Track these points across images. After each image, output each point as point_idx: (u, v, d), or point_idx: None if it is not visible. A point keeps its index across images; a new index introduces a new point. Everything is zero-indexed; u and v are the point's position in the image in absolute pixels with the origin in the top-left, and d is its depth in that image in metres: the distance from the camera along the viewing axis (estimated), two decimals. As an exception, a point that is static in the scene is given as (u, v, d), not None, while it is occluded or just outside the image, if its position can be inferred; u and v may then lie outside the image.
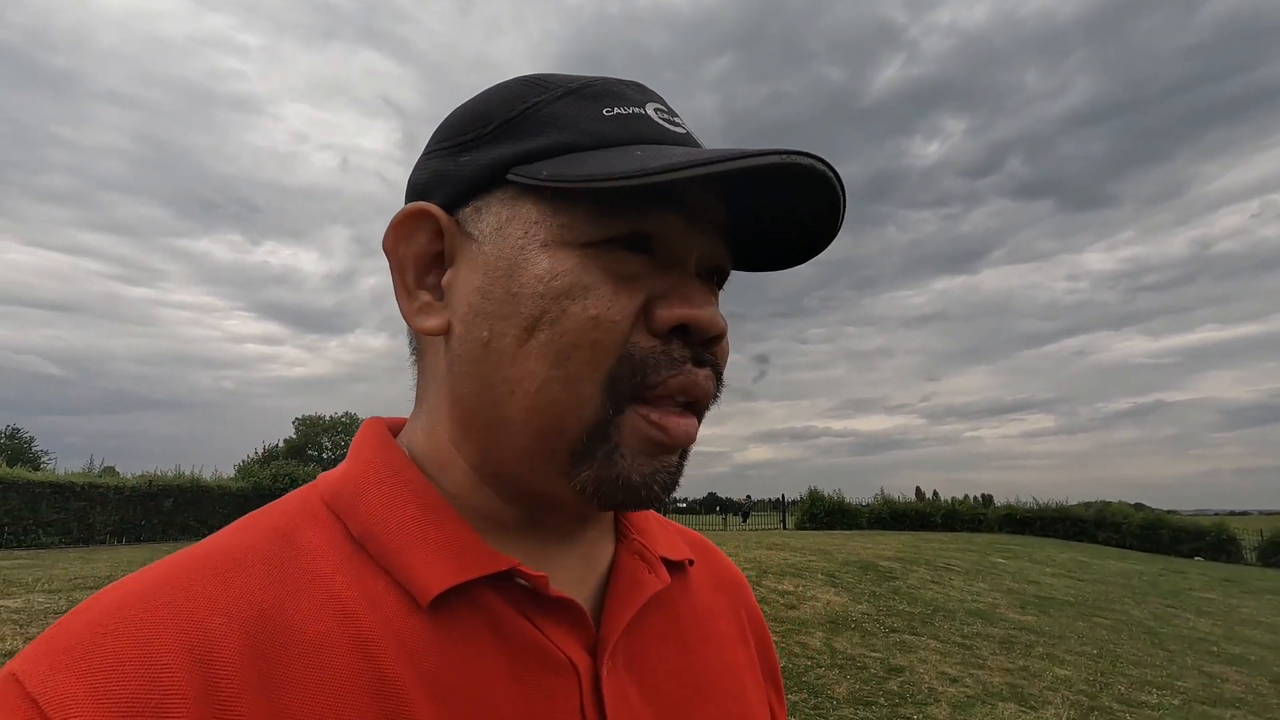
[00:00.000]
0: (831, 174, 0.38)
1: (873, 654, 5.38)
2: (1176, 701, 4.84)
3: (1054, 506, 19.25)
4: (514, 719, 0.36)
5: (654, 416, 0.38)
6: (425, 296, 0.42)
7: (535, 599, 0.39)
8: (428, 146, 0.45)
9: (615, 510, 0.40)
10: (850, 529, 18.15)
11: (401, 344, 0.48)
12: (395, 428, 0.47)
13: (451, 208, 0.42)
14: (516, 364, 0.38)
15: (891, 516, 19.24)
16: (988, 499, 23.88)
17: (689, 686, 0.44)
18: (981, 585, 8.66)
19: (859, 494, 21.41)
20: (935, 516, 19.22)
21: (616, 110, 0.40)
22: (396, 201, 0.46)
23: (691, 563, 0.51)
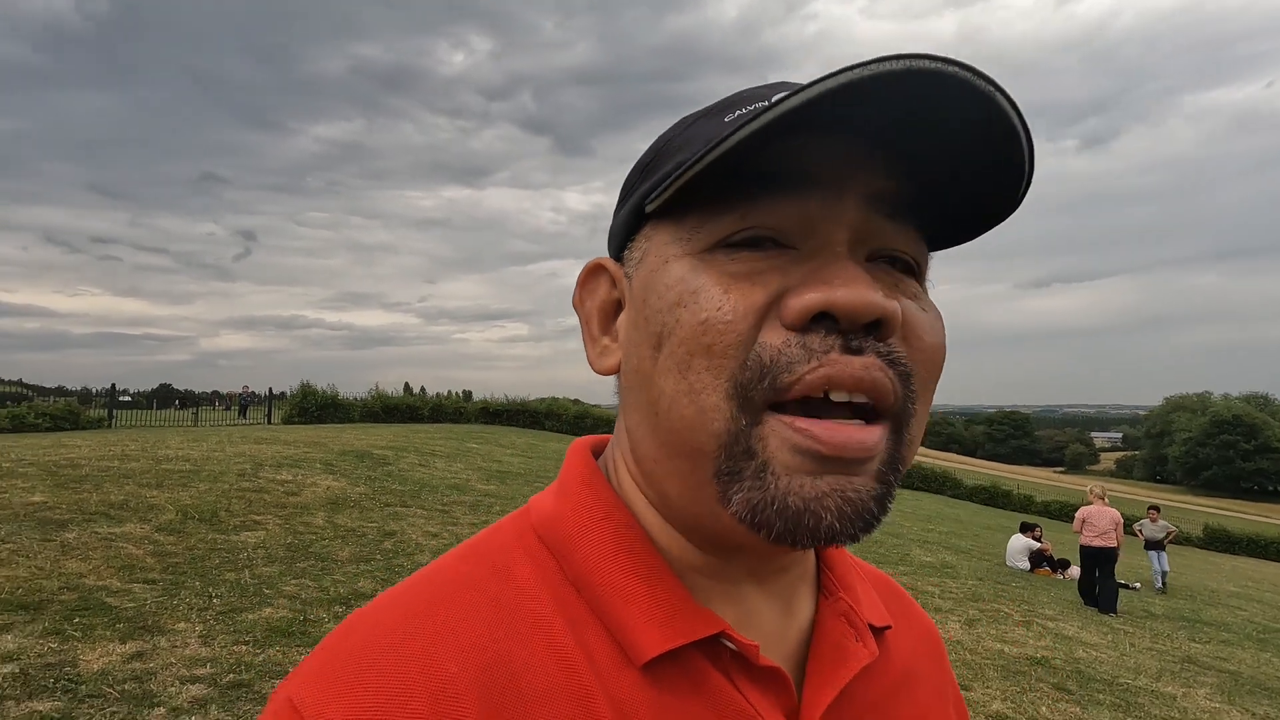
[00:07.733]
0: (976, 79, 0.30)
1: (369, 524, 6.34)
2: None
3: (518, 401, 23.38)
4: None
5: (800, 422, 0.33)
6: (605, 341, 0.43)
7: (740, 662, 0.38)
8: None
9: (786, 545, 0.34)
10: (344, 423, 18.65)
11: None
12: (597, 448, 0.48)
13: (619, 257, 0.43)
14: (653, 384, 0.37)
15: (384, 410, 20.58)
16: (468, 395, 27.52)
17: None
18: (459, 465, 10.53)
19: (353, 389, 21.87)
20: (423, 410, 21.44)
21: (739, 112, 0.37)
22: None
23: (889, 628, 0.47)
